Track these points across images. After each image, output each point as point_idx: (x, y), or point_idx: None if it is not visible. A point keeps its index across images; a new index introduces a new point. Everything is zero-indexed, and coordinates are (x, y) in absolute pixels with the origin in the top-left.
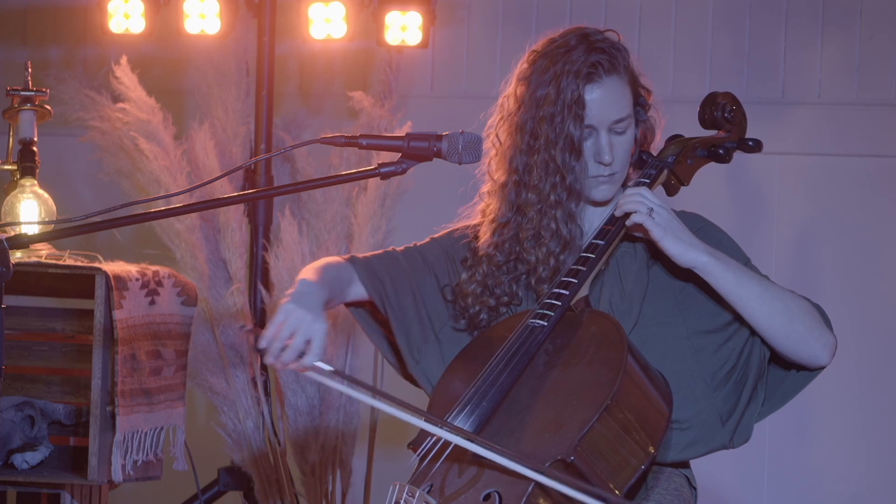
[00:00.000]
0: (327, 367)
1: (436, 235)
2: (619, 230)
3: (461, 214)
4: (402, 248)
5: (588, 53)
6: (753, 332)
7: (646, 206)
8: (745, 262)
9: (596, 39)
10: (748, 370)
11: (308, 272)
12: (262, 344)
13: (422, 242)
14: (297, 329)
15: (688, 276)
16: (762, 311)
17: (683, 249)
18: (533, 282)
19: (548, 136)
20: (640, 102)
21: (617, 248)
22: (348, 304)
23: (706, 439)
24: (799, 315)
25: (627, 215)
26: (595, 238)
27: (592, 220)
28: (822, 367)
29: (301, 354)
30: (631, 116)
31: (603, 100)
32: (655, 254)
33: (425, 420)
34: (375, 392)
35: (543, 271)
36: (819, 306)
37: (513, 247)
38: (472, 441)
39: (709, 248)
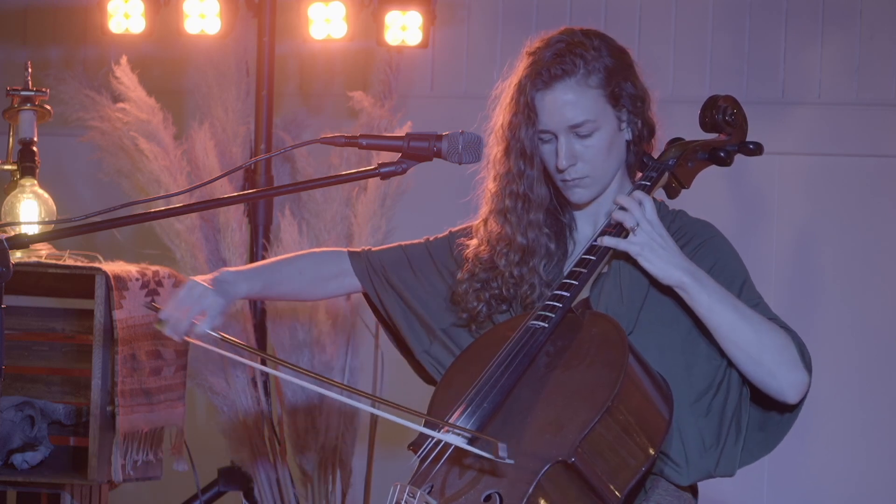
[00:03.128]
0: (216, 335)
1: (454, 229)
2: (620, 232)
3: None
4: (417, 241)
5: (549, 57)
6: None
7: (633, 219)
8: (744, 278)
9: (563, 41)
10: (729, 393)
11: (252, 263)
12: (162, 316)
13: (439, 235)
14: (195, 302)
15: None
16: (731, 340)
17: (660, 267)
18: (504, 290)
19: (509, 142)
20: (623, 105)
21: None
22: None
23: (690, 462)
24: (770, 349)
25: (606, 234)
26: (595, 240)
27: (597, 220)
28: (794, 406)
29: (194, 325)
30: (596, 120)
31: (554, 105)
32: None
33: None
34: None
35: (509, 277)
36: (801, 343)
37: (492, 248)
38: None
39: (692, 268)
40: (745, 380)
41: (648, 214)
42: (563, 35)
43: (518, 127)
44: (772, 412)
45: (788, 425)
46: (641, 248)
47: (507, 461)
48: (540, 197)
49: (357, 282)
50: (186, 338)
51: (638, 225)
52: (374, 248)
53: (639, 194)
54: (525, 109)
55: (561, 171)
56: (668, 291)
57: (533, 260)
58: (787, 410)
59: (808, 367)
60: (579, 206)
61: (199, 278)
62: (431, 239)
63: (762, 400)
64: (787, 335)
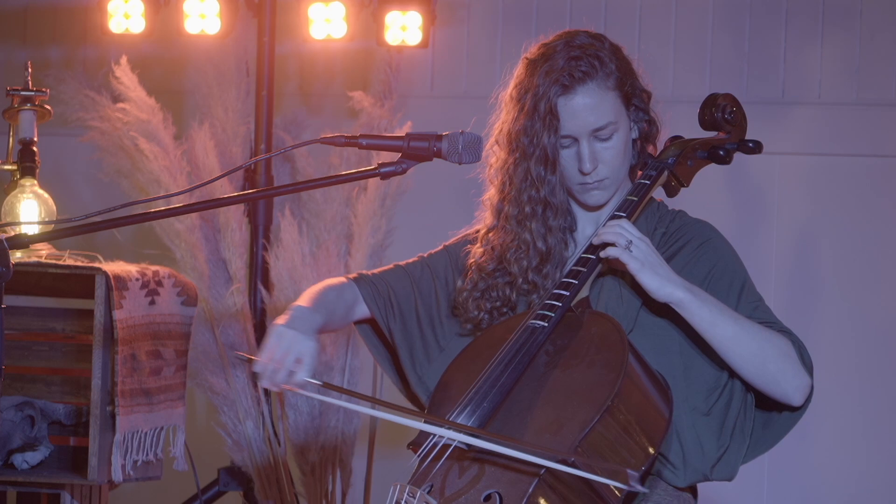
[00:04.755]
0: (317, 382)
1: (448, 242)
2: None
3: (477, 217)
4: (413, 259)
5: (565, 62)
6: None
7: (625, 238)
8: (744, 280)
9: (575, 45)
10: (733, 397)
11: (304, 298)
12: (257, 369)
13: (433, 251)
14: (288, 349)
15: None
16: (734, 352)
17: (660, 284)
18: (514, 295)
19: (525, 148)
20: (634, 104)
21: None
22: (356, 323)
23: (687, 464)
24: (773, 358)
25: (605, 246)
26: (592, 253)
27: (598, 218)
28: (798, 408)
29: (292, 374)
30: (616, 122)
31: (578, 110)
32: None
33: (426, 422)
34: (375, 402)
35: (523, 283)
36: (801, 346)
37: (499, 256)
38: (476, 435)
39: (687, 284)
40: (748, 386)
41: (635, 232)
42: (570, 38)
43: (538, 133)
44: (773, 411)
45: (792, 424)
46: (642, 265)
47: None
48: (561, 202)
49: (367, 308)
50: (285, 387)
51: (631, 242)
52: (370, 272)
53: (615, 221)
54: (547, 116)
55: (585, 175)
56: None
57: (547, 266)
58: (791, 409)
59: (810, 369)
60: (592, 209)
61: (279, 321)
62: (426, 255)
63: (766, 400)
64: (788, 340)
